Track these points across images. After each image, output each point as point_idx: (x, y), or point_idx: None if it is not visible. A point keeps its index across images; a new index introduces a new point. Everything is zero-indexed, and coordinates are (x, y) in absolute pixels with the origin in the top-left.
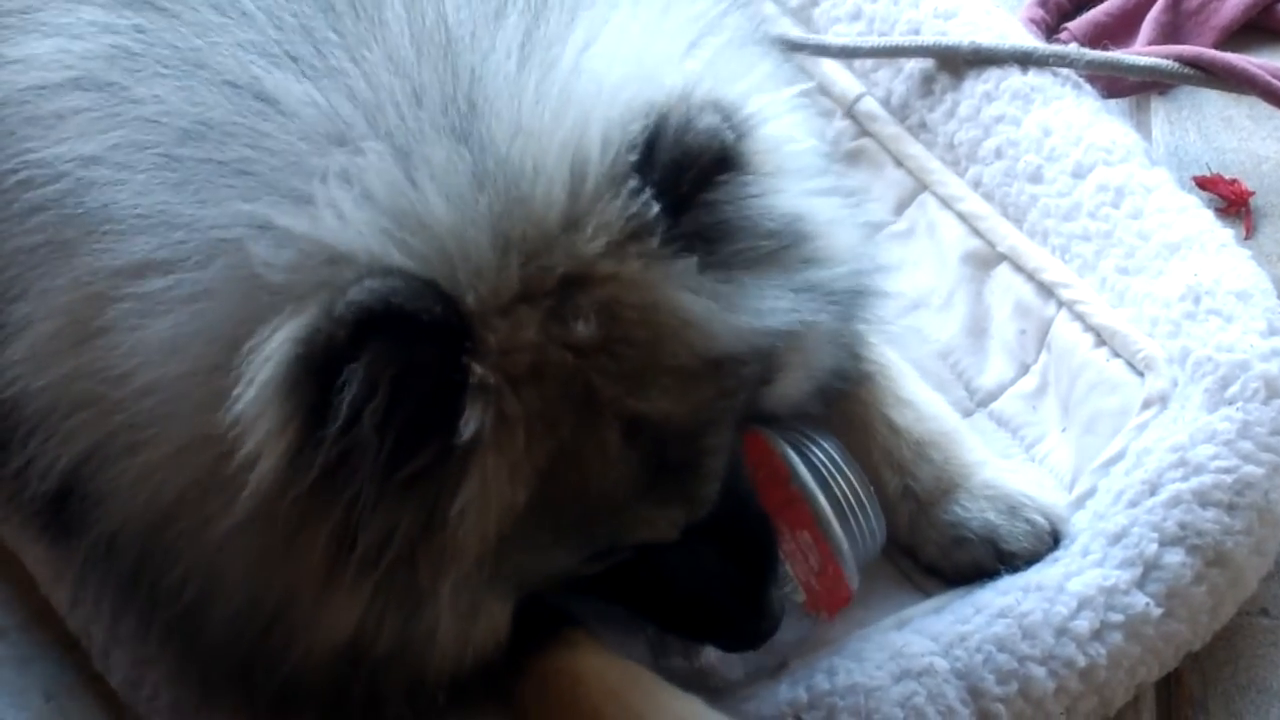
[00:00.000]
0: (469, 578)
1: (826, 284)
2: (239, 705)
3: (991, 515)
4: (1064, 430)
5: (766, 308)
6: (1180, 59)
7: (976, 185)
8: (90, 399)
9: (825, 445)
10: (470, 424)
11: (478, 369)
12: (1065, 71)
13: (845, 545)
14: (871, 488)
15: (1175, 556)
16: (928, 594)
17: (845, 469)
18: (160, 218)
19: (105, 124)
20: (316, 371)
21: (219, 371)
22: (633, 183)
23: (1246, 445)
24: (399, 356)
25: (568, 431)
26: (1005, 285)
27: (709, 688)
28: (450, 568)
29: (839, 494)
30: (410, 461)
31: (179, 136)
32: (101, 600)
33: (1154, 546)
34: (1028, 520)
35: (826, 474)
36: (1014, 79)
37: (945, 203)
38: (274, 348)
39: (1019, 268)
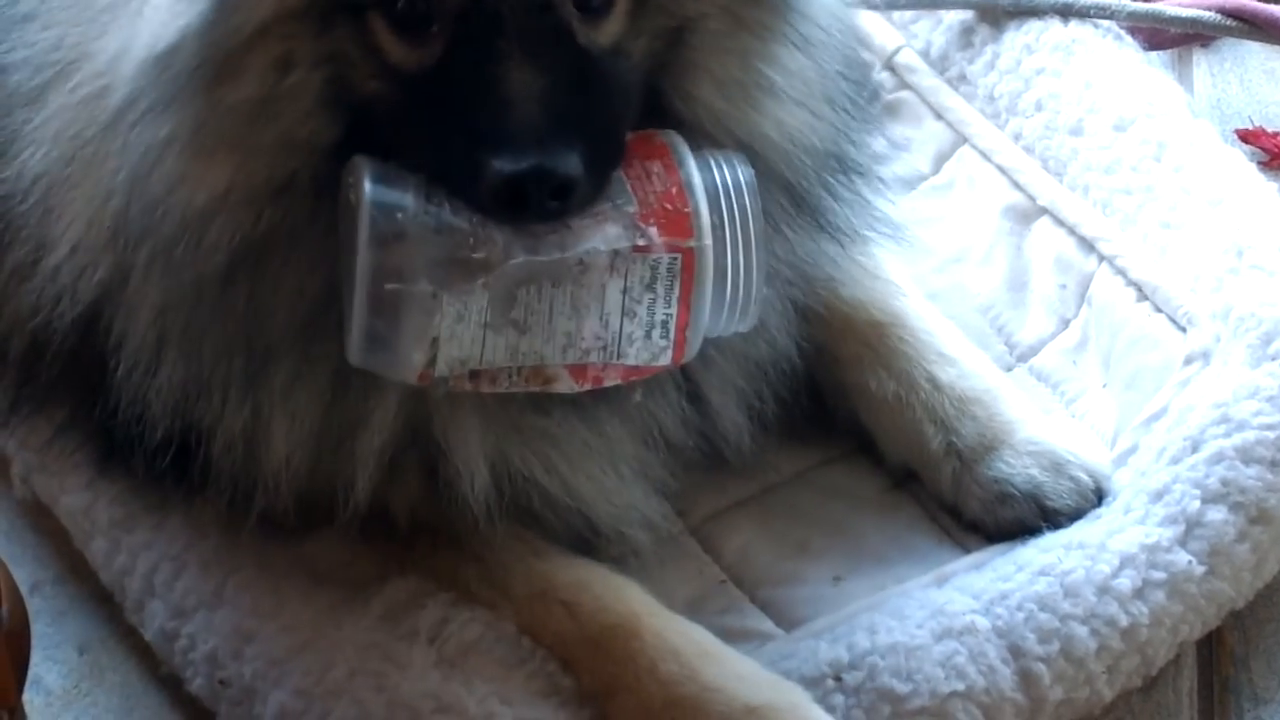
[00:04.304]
0: None
1: None
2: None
3: (1036, 472)
4: (1105, 386)
5: None
6: (1223, 10)
7: (1017, 138)
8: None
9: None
10: None
11: None
12: (1106, 23)
13: (706, 211)
14: (766, 235)
15: (1218, 514)
16: (968, 550)
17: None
18: None
19: None
20: None
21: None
22: None
23: None
24: None
25: None
26: (1045, 239)
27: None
28: None
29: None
30: None
31: None
32: None
33: (1196, 504)
34: (1072, 478)
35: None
36: (1054, 31)
37: (985, 156)
38: None
39: (1059, 222)
